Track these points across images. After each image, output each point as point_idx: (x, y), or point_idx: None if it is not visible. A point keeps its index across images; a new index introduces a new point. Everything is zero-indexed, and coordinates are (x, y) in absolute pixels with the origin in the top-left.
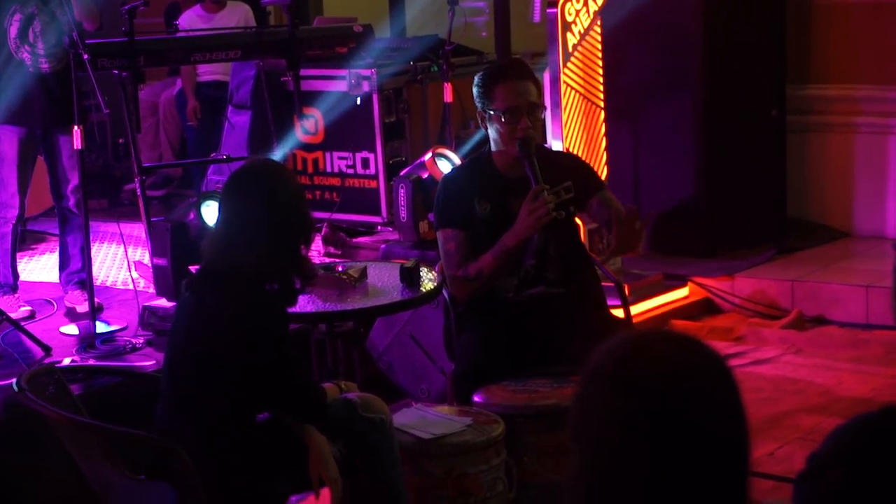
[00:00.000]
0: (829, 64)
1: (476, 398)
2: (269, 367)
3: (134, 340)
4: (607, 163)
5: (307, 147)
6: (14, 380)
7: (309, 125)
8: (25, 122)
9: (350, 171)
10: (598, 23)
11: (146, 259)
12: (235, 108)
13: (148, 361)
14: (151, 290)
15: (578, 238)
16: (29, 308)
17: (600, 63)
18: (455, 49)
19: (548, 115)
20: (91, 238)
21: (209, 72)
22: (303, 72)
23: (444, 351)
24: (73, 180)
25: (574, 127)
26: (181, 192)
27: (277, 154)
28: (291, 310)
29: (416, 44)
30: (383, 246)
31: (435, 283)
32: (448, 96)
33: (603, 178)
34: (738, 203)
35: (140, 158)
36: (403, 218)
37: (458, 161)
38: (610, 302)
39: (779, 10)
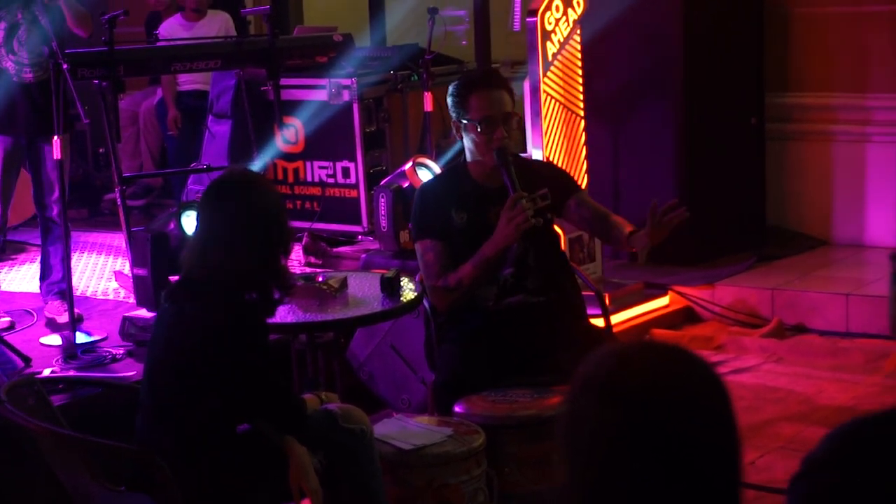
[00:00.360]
0: (807, 72)
1: (457, 408)
2: (249, 378)
3: (114, 351)
4: (588, 172)
5: (287, 156)
6: None
7: (289, 134)
8: (10, 131)
9: (330, 180)
10: (578, 32)
11: (126, 269)
12: (216, 118)
13: (128, 372)
14: (132, 300)
15: (558, 246)
16: (9, 318)
17: (580, 72)
18: (435, 58)
19: (528, 124)
20: (71, 248)
21: (189, 81)
22: (283, 81)
23: (424, 361)
24: (57, 190)
25: (554, 136)
26: (161, 202)
27: (258, 163)
28: (272, 320)
29: (396, 53)
30: (364, 255)
31: (415, 294)
32: (428, 105)
33: (583, 187)
34: (717, 211)
35: (120, 168)
36: (384, 227)
37: (438, 170)
38: (590, 311)
39: (757, 19)
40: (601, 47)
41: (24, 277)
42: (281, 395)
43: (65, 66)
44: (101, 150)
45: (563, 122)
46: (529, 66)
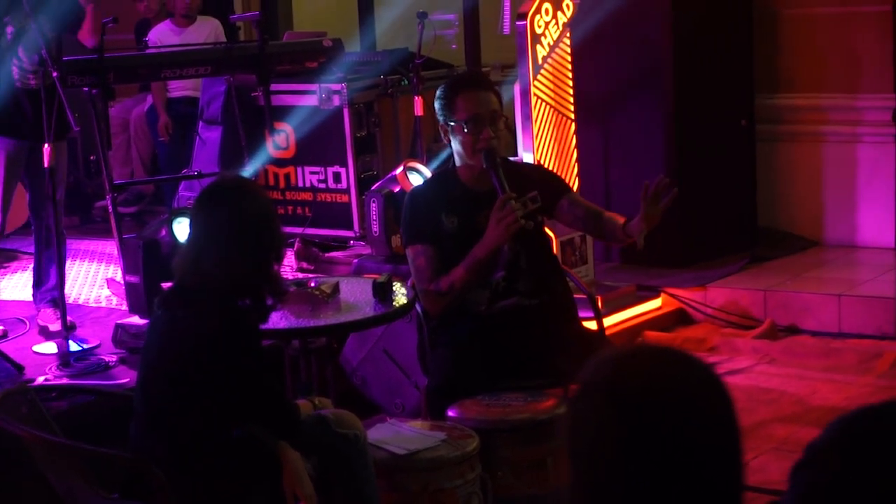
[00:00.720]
0: (797, 73)
1: (450, 413)
2: (244, 383)
3: (107, 358)
4: (578, 174)
5: (278, 162)
6: None
7: (280, 140)
8: (15, 134)
9: (322, 185)
10: (568, 35)
11: (118, 276)
12: (206, 124)
13: (121, 379)
14: (124, 307)
15: (550, 249)
16: (1, 327)
17: (570, 75)
18: (425, 62)
19: (518, 127)
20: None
21: (180, 88)
22: (273, 87)
23: (417, 366)
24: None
25: (545, 139)
26: (153, 209)
27: (249, 169)
28: (264, 326)
29: (386, 57)
30: (356, 261)
31: (408, 298)
32: (419, 110)
33: (574, 189)
34: (708, 213)
35: (111, 175)
36: (376, 232)
37: (429, 174)
38: (583, 314)
39: (747, 20)
40: (591, 50)
41: (16, 285)
42: (275, 399)
43: (55, 74)
44: (91, 158)
45: (554, 124)
46: (519, 70)
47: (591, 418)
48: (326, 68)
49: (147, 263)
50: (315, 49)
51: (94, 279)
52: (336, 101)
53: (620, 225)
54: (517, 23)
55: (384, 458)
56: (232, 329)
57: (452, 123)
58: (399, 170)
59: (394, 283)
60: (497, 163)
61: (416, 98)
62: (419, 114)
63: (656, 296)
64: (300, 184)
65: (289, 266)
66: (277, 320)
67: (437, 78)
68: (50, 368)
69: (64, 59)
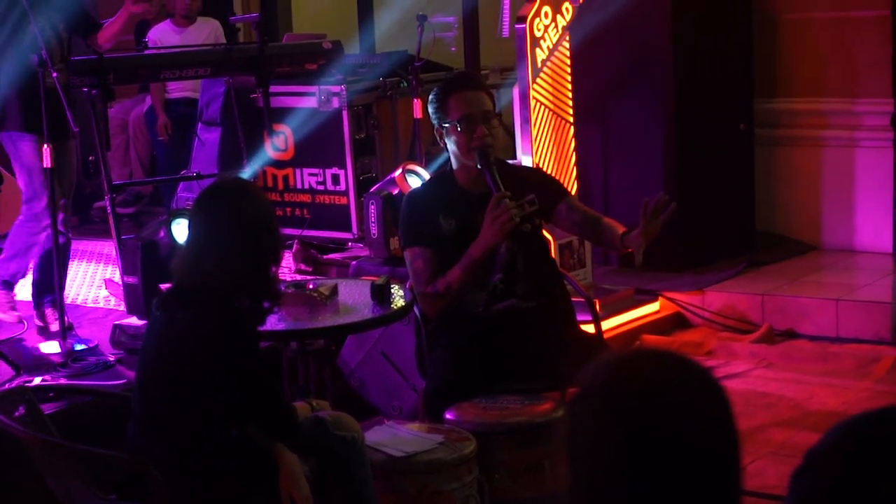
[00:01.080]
0: (796, 78)
1: (448, 415)
2: (242, 383)
3: (105, 359)
4: (577, 178)
5: (277, 164)
6: None
7: (279, 142)
8: (41, 131)
9: (320, 187)
10: (567, 38)
11: (116, 277)
12: (205, 125)
13: (119, 380)
14: (122, 307)
15: (547, 252)
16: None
17: (569, 78)
18: (424, 65)
19: (517, 130)
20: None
21: (179, 89)
22: (272, 88)
23: (415, 368)
24: (64, 197)
25: (544, 142)
26: (151, 210)
27: (248, 171)
28: (263, 327)
29: (385, 60)
30: (354, 262)
31: (406, 301)
32: (418, 112)
33: (573, 192)
34: (707, 217)
35: (110, 176)
36: (374, 234)
37: (428, 177)
38: (581, 317)
39: (746, 25)
40: (590, 53)
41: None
42: (273, 400)
43: (54, 75)
44: (90, 158)
45: (553, 127)
46: (519, 73)
47: (589, 422)
48: (326, 70)
49: (145, 264)
50: (314, 51)
51: (92, 279)
52: (335, 103)
53: (619, 234)
54: (516, 26)
55: (382, 461)
56: (231, 329)
57: (446, 125)
58: (398, 172)
59: (392, 286)
60: (491, 161)
61: (415, 100)
62: (418, 116)
63: (654, 299)
64: (299, 185)
65: (287, 268)
66: (275, 322)
67: (437, 80)
68: (48, 369)
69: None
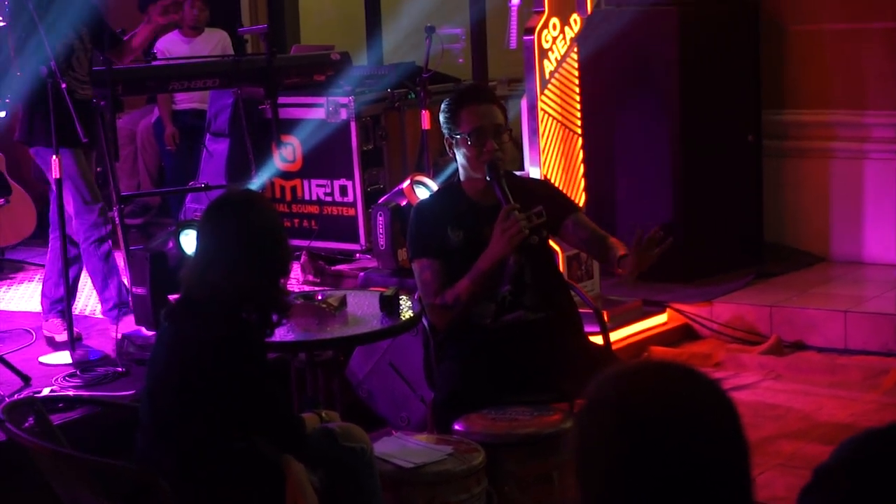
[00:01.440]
0: (804, 89)
1: (456, 426)
2: (244, 392)
3: (113, 370)
4: (585, 189)
5: (285, 175)
6: None
7: (287, 153)
8: (77, 144)
9: (328, 198)
10: (575, 50)
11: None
12: (213, 136)
13: (127, 391)
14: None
15: (555, 264)
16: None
17: (577, 90)
18: (432, 76)
19: (525, 141)
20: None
21: (186, 100)
22: (280, 100)
23: (423, 379)
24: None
25: (552, 154)
26: (159, 221)
27: (256, 182)
28: (271, 339)
29: (393, 71)
30: (362, 274)
31: (414, 312)
32: (426, 123)
33: (581, 204)
34: (715, 228)
35: (118, 187)
36: (382, 245)
37: (436, 188)
38: (589, 328)
39: (754, 36)
40: (598, 65)
41: (22, 296)
42: (277, 409)
43: (63, 86)
44: (98, 169)
45: (561, 139)
46: (527, 84)
47: (597, 434)
48: (334, 82)
49: (154, 275)
50: (323, 62)
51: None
52: (343, 114)
53: (617, 256)
54: (524, 37)
55: (390, 472)
56: (235, 337)
57: (457, 137)
58: (406, 183)
59: (400, 297)
60: (500, 174)
61: (423, 112)
62: (426, 127)
63: (662, 311)
64: (307, 197)
65: (295, 279)
66: (284, 333)
67: (444, 92)
68: (56, 379)
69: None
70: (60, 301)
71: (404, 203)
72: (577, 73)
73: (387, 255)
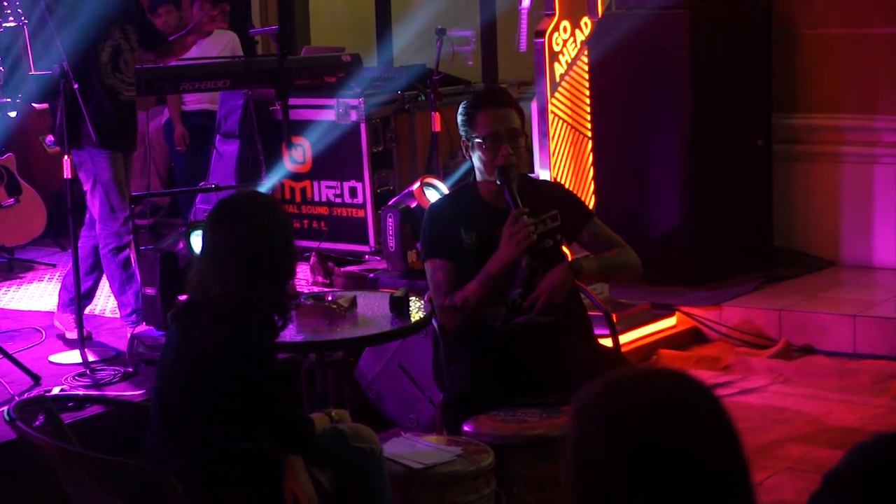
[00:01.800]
0: (815, 94)
1: (466, 428)
2: (248, 400)
3: (123, 369)
4: (595, 192)
5: (295, 176)
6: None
7: (297, 154)
8: (118, 146)
9: (338, 200)
10: (586, 53)
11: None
12: (223, 137)
13: (137, 390)
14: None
15: None
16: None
17: (587, 93)
18: (442, 78)
19: (536, 144)
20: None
21: (196, 101)
22: (291, 101)
23: (432, 380)
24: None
25: (562, 156)
26: (169, 221)
27: (267, 183)
28: (282, 339)
29: (403, 73)
30: (371, 275)
31: (424, 313)
32: (436, 125)
33: (591, 206)
34: (724, 232)
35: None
36: (392, 247)
37: (446, 190)
38: (598, 331)
39: (765, 40)
40: (608, 68)
41: (32, 296)
42: (287, 417)
43: (75, 86)
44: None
45: (571, 142)
46: (537, 87)
47: (593, 439)
48: (344, 83)
49: (164, 276)
50: (334, 64)
51: (109, 290)
52: (353, 116)
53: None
54: (535, 40)
55: (400, 472)
56: (236, 338)
57: (473, 140)
58: (416, 185)
59: (411, 298)
60: (511, 179)
61: (434, 114)
62: (436, 129)
63: (671, 314)
64: (316, 198)
65: (304, 280)
66: (294, 333)
67: (455, 94)
68: (66, 378)
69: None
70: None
71: (414, 205)
72: (587, 76)
73: (396, 257)
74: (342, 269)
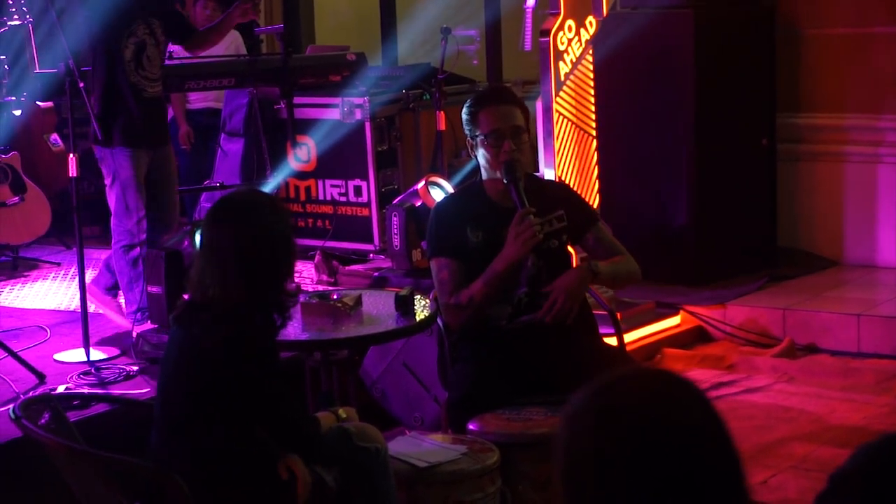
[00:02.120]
0: (819, 93)
1: (471, 426)
2: (248, 399)
3: (128, 368)
4: (599, 191)
5: (300, 175)
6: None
7: (301, 153)
8: (141, 144)
9: (342, 198)
10: (590, 52)
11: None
12: (228, 136)
13: (142, 389)
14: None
15: (570, 266)
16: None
17: (592, 92)
18: (447, 77)
19: (540, 143)
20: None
21: (200, 99)
22: (296, 100)
23: (437, 379)
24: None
25: (566, 156)
26: None
27: (271, 182)
28: (287, 337)
29: (408, 72)
30: (376, 274)
31: (430, 311)
32: (441, 124)
33: (594, 206)
34: (728, 231)
35: None
36: (396, 246)
37: (451, 189)
38: (603, 330)
39: (769, 40)
40: (613, 67)
41: (36, 294)
42: (290, 418)
43: (81, 85)
44: None
45: (576, 141)
46: (542, 86)
47: (585, 441)
48: (349, 82)
49: (169, 274)
50: (339, 63)
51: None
52: (358, 114)
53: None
54: (540, 39)
55: (405, 471)
56: (235, 338)
57: (477, 138)
58: (421, 184)
59: (416, 297)
60: (517, 176)
61: (438, 113)
62: (441, 128)
63: (675, 313)
64: (321, 197)
65: (309, 279)
66: (299, 332)
67: (459, 93)
68: (71, 377)
69: (87, 69)
70: (114, 288)
71: (419, 204)
72: (592, 76)
73: (401, 256)
74: (347, 268)
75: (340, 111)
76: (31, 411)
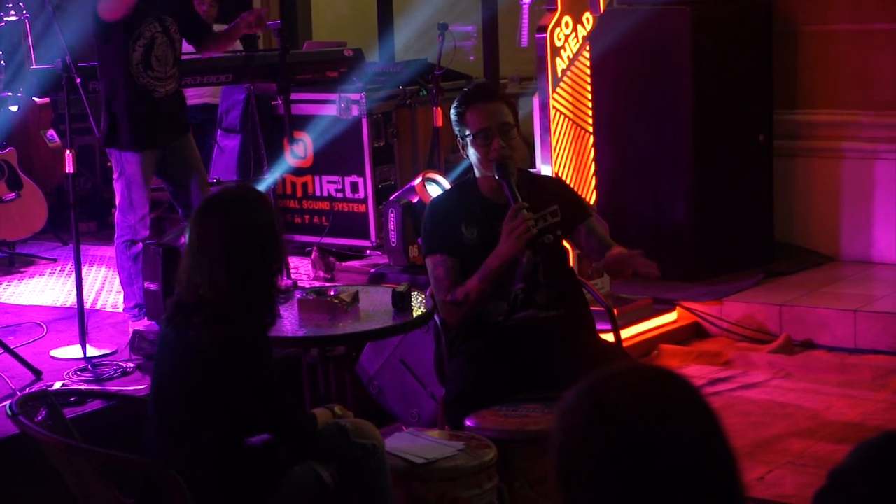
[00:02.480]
0: (816, 89)
1: (468, 423)
2: (251, 399)
3: (125, 364)
4: (596, 187)
5: (297, 171)
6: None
7: (298, 149)
8: (151, 146)
9: (339, 195)
10: (587, 48)
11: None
12: (225, 132)
13: (139, 385)
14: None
15: (567, 262)
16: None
17: (589, 88)
18: (444, 73)
19: (537, 139)
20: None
21: (196, 95)
22: (293, 96)
23: (434, 375)
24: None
25: (563, 151)
26: (169, 216)
27: (268, 178)
28: (284, 333)
29: (405, 68)
30: (373, 270)
31: (426, 308)
32: (438, 121)
33: (592, 202)
34: (725, 228)
35: None
36: (393, 242)
37: (447, 185)
38: (600, 326)
39: (766, 36)
40: (610, 63)
41: (33, 290)
42: (285, 414)
43: (78, 80)
44: (108, 164)
45: (573, 137)
46: (539, 82)
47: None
48: (346, 78)
49: (166, 270)
50: (336, 59)
51: (111, 285)
52: (355, 111)
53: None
54: (537, 35)
55: (401, 467)
56: (228, 337)
57: (466, 137)
58: (418, 180)
59: (412, 293)
60: (509, 173)
61: (435, 109)
62: (438, 125)
63: (672, 309)
64: (318, 193)
65: (306, 275)
66: (296, 328)
67: (456, 89)
68: (68, 373)
69: (83, 65)
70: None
71: (416, 200)
72: (589, 72)
73: (398, 252)
74: (344, 264)
75: (337, 107)
76: (28, 408)
